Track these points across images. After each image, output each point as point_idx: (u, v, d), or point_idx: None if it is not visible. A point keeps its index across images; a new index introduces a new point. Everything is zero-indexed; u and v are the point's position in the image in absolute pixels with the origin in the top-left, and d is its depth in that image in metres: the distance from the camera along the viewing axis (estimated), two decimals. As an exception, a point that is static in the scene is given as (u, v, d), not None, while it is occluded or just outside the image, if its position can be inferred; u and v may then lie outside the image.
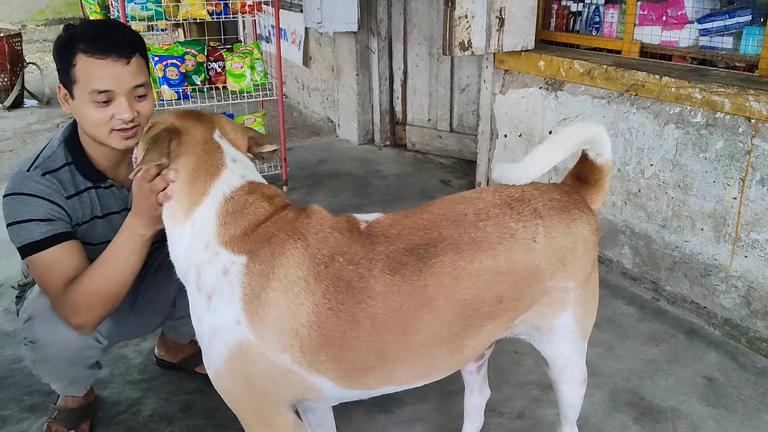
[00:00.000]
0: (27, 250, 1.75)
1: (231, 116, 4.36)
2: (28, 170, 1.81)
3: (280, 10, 4.32)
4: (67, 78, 1.75)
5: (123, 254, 1.68)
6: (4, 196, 1.79)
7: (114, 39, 1.74)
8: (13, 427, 2.20)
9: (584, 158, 1.58)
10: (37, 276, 1.80)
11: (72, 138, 1.88)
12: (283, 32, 6.33)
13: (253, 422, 1.44)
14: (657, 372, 2.43)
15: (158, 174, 1.43)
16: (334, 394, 1.41)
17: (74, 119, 1.87)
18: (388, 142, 5.22)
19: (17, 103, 6.73)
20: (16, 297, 2.11)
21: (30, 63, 6.98)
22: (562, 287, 1.49)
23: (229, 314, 1.32)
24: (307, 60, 6.12)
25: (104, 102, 1.74)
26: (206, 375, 2.32)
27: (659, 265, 2.87)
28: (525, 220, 1.43)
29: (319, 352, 1.31)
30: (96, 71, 1.71)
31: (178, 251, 1.46)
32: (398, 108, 5.10)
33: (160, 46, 4.06)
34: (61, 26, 1.88)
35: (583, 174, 1.60)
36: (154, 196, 1.46)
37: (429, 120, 4.90)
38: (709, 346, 2.58)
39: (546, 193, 1.52)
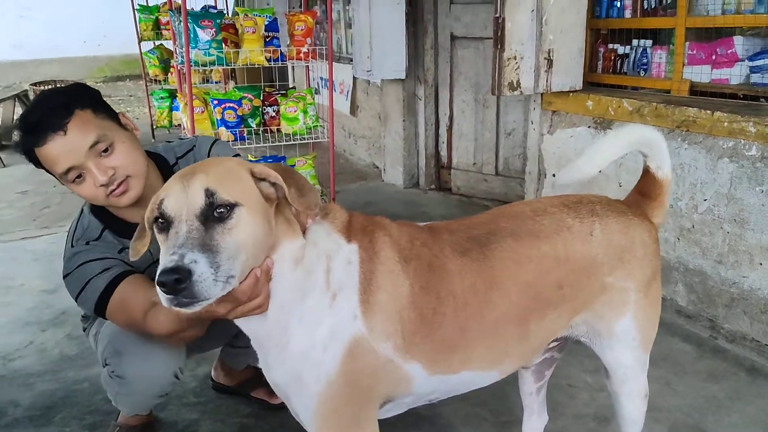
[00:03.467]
0: (101, 305, 1.75)
1: (283, 159, 4.52)
2: (73, 245, 1.84)
3: (333, 67, 4.51)
4: (46, 170, 1.74)
5: None
6: (63, 278, 1.82)
7: (44, 116, 1.66)
8: (75, 444, 2.26)
9: (646, 172, 1.65)
10: (119, 321, 1.78)
11: (95, 206, 1.87)
12: (332, 86, 6.56)
13: None
14: (720, 408, 2.36)
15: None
16: (421, 384, 1.44)
17: None
18: (433, 186, 5.30)
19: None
20: (83, 316, 2.18)
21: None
22: (622, 287, 1.53)
23: (349, 309, 1.35)
24: (354, 109, 6.31)
25: (79, 177, 1.70)
26: (261, 400, 2.40)
27: (716, 302, 2.82)
28: (582, 217, 1.53)
29: (416, 333, 1.38)
30: (47, 157, 1.67)
31: (296, 266, 1.34)
32: (443, 152, 5.19)
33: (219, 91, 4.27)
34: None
35: (644, 189, 1.67)
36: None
37: (474, 164, 4.97)
38: (772, 384, 2.50)
39: (604, 200, 1.63)
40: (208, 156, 2.00)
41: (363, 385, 1.38)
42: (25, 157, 1.72)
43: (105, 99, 1.83)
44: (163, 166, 1.96)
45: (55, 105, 1.68)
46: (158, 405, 2.42)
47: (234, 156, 2.00)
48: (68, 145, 1.65)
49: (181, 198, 1.19)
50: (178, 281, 1.09)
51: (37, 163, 1.72)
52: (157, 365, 1.86)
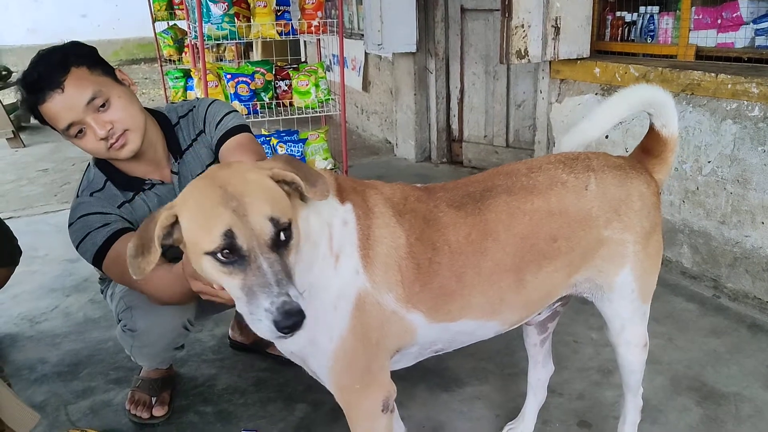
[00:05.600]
0: (98, 258, 1.84)
1: (296, 132, 4.60)
2: (78, 196, 1.94)
3: (343, 41, 4.57)
4: (50, 127, 1.81)
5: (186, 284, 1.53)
6: (68, 227, 1.91)
7: (42, 75, 1.72)
8: (101, 396, 2.38)
9: (651, 129, 1.65)
10: (114, 275, 1.88)
11: (99, 159, 1.96)
12: (344, 60, 6.62)
13: (357, 388, 1.49)
14: (719, 361, 2.42)
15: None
16: (423, 334, 1.51)
17: None
18: (444, 159, 5.36)
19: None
20: (100, 279, 2.29)
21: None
22: (620, 239, 1.56)
23: (351, 266, 1.39)
24: (366, 85, 6.37)
25: (80, 132, 1.78)
26: (277, 355, 2.51)
27: (719, 262, 2.87)
28: (577, 173, 1.54)
29: (414, 283, 1.43)
30: (48, 115, 1.75)
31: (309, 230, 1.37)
32: (455, 125, 5.25)
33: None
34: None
35: (648, 146, 1.67)
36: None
37: (485, 136, 5.02)
38: (773, 338, 2.57)
39: (602, 156, 1.62)
40: (205, 114, 2.07)
41: (372, 339, 1.45)
42: (32, 115, 1.81)
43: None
44: (165, 125, 2.04)
45: (52, 63, 1.74)
46: (178, 361, 2.54)
47: (230, 113, 2.07)
48: (66, 102, 1.73)
49: (247, 229, 1.16)
50: (301, 322, 1.14)
51: (43, 121, 1.80)
52: (165, 317, 1.97)
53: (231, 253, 1.16)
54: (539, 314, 1.77)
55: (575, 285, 1.63)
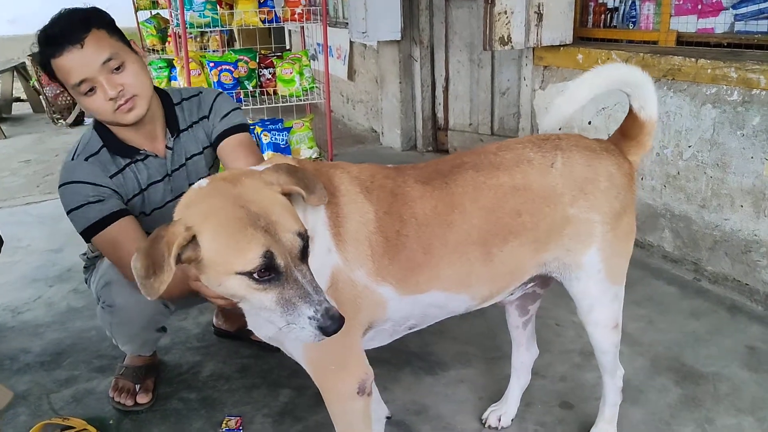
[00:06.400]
0: (88, 233, 1.88)
1: (280, 121, 4.59)
2: (72, 159, 1.96)
3: (327, 28, 4.56)
4: (59, 82, 1.85)
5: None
6: (58, 188, 1.94)
7: (63, 30, 1.78)
8: (84, 384, 2.37)
9: (630, 111, 1.66)
10: (106, 254, 1.94)
11: (99, 123, 1.99)
12: (329, 49, 6.59)
13: (333, 369, 1.51)
14: (698, 342, 2.46)
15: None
16: (395, 308, 1.53)
17: None
18: (430, 148, 5.36)
19: (78, 121, 7.17)
20: (84, 267, 2.30)
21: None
22: (586, 218, 1.57)
23: (324, 245, 1.42)
24: (351, 73, 6.35)
25: (90, 90, 1.82)
26: (261, 342, 2.51)
27: (700, 245, 2.90)
28: (544, 151, 1.58)
29: (383, 256, 1.46)
30: (63, 67, 1.78)
31: None
32: (440, 114, 5.25)
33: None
34: None
35: (625, 128, 1.69)
36: None
37: (470, 124, 5.03)
38: (751, 320, 2.60)
39: (573, 137, 1.65)
40: (213, 103, 2.12)
41: (348, 313, 1.44)
42: (42, 69, 1.84)
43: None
44: (167, 102, 2.08)
45: (74, 21, 1.80)
46: (163, 348, 2.54)
47: (235, 109, 2.13)
48: (84, 58, 1.77)
49: (282, 248, 1.20)
50: (343, 324, 1.21)
51: (53, 76, 1.84)
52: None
53: (267, 271, 1.19)
54: (512, 294, 1.77)
55: (544, 264, 1.64)
